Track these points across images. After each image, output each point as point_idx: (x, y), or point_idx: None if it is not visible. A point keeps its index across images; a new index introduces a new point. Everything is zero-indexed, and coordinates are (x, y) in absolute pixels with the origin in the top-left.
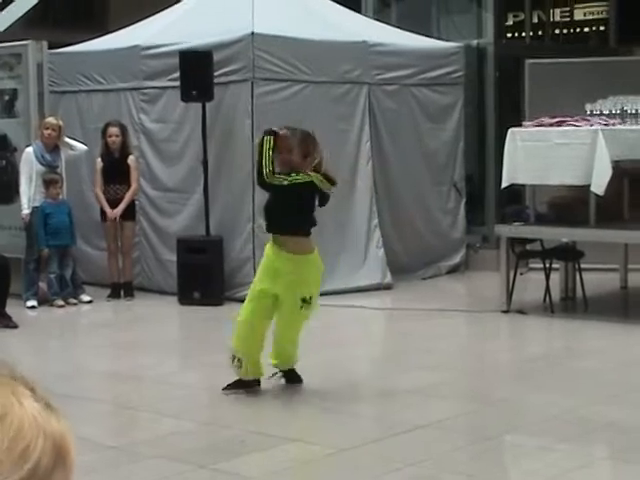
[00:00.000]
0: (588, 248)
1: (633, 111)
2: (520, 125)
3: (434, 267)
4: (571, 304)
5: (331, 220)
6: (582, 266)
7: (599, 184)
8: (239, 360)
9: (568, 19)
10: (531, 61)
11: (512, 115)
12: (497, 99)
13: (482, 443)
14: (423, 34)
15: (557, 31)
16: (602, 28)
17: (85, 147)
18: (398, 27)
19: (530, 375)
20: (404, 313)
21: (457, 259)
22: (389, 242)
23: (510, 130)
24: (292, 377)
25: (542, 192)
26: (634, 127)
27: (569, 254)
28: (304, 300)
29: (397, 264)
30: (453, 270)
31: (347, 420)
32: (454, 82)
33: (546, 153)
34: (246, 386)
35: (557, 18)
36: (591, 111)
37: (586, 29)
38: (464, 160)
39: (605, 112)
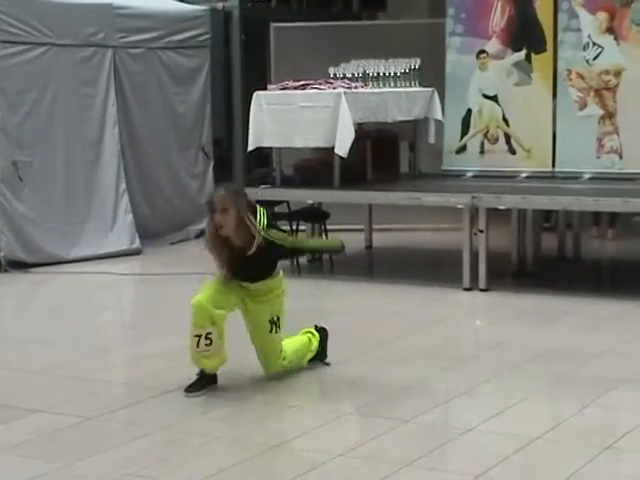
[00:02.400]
0: (333, 209)
1: (375, 74)
2: (265, 88)
3: (183, 231)
4: (318, 265)
5: (78, 186)
6: (328, 227)
7: (342, 147)
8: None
9: None
10: (276, 25)
11: (258, 78)
12: (243, 62)
13: (232, 404)
14: None
15: None
16: None
17: None
18: None
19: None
20: (153, 278)
21: (205, 223)
22: (138, 207)
23: (255, 93)
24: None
25: (288, 155)
26: (376, 90)
27: (315, 216)
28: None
29: (146, 229)
30: (202, 234)
31: (95, 388)
32: (200, 45)
33: (291, 116)
34: (209, 383)
35: None
36: (334, 74)
37: None
38: (211, 124)
39: (348, 75)
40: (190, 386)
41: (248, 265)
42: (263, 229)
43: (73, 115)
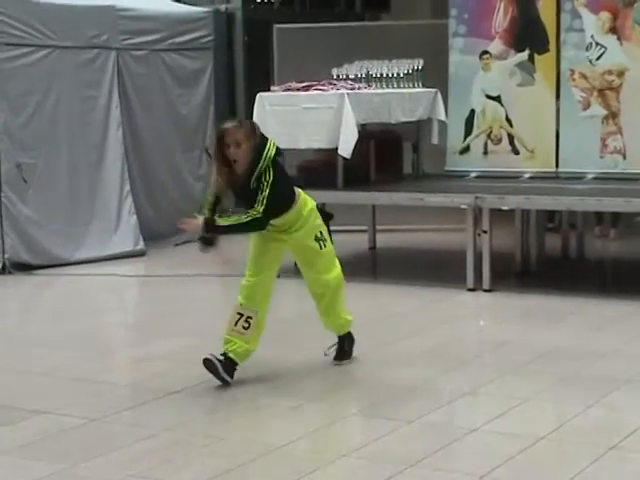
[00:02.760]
0: (337, 210)
1: (378, 75)
2: (269, 90)
3: (187, 233)
4: None
5: (82, 188)
6: (332, 228)
7: (346, 147)
8: (248, 319)
9: None
10: (279, 26)
11: (262, 80)
12: (246, 64)
13: (236, 405)
14: None
15: None
16: None
17: None
18: None
19: (283, 336)
20: (157, 280)
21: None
22: (141, 209)
23: (258, 95)
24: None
25: (292, 156)
26: (379, 91)
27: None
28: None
29: (150, 230)
30: None
31: (101, 390)
32: (203, 47)
33: (294, 117)
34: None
35: None
36: (338, 75)
37: None
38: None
39: (351, 76)
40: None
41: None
42: (265, 165)
43: (76, 117)
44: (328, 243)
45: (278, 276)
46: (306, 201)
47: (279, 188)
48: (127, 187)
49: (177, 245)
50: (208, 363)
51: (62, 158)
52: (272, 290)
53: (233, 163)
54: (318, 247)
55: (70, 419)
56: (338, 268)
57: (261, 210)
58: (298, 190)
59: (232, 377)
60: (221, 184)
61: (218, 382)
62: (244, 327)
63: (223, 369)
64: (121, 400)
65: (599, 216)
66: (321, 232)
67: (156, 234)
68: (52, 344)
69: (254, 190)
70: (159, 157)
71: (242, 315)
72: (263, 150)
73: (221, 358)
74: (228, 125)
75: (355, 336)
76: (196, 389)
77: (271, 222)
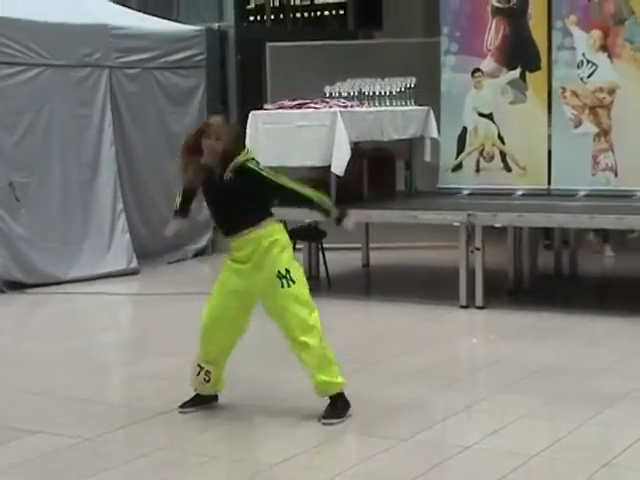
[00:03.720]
0: (330, 228)
1: (371, 93)
2: (262, 108)
3: (181, 251)
4: (315, 283)
5: (75, 206)
6: (325, 246)
7: (339, 165)
8: (207, 373)
9: (308, 3)
10: (272, 44)
11: (255, 98)
12: (239, 82)
13: (229, 424)
14: (164, 17)
15: (298, 15)
16: (341, 12)
17: None
18: (139, 10)
19: (276, 355)
20: (150, 298)
21: (203, 242)
22: (135, 227)
23: (251, 113)
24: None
25: (284, 174)
26: (372, 109)
27: (312, 234)
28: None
29: (143, 249)
30: (200, 253)
31: (93, 409)
32: (196, 65)
33: (287, 135)
34: (204, 402)
35: (297, 2)
36: (330, 93)
37: (326, 13)
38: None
39: (344, 94)
40: (185, 403)
41: (225, 196)
42: (246, 160)
43: (69, 136)
44: (294, 284)
45: None
46: (273, 231)
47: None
48: (120, 205)
49: (170, 263)
50: (186, 407)
51: (55, 177)
52: (233, 345)
53: (206, 154)
54: (279, 285)
55: (63, 438)
56: (308, 326)
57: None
58: (272, 217)
59: (216, 399)
60: (190, 176)
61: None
62: (205, 380)
63: (200, 402)
64: (114, 419)
65: (603, 232)
66: (287, 270)
67: (149, 252)
68: (45, 363)
69: (228, 184)
70: (152, 175)
71: (202, 369)
72: (242, 150)
73: (194, 395)
74: (216, 119)
75: (348, 353)
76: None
77: (235, 239)
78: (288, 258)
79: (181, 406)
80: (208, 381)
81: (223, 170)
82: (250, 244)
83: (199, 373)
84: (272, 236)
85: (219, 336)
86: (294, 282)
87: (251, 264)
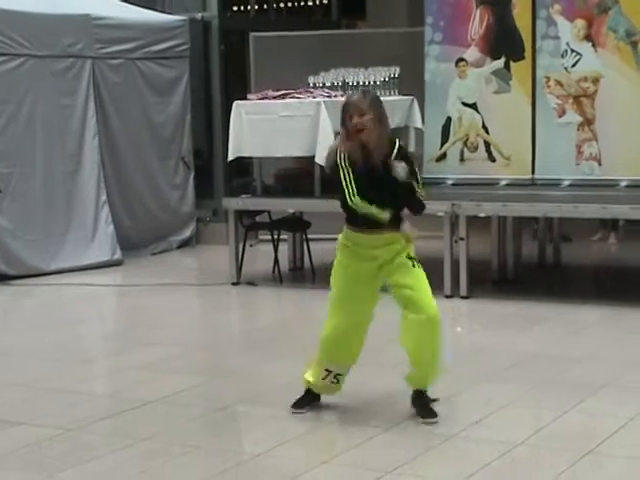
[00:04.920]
0: (314, 218)
1: (354, 83)
2: (245, 98)
3: (165, 242)
4: (299, 274)
5: (58, 197)
6: (309, 236)
7: (323, 155)
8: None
9: None
10: (255, 34)
11: (238, 88)
12: (223, 72)
13: (213, 414)
14: (147, 7)
15: (281, 5)
16: (325, 2)
17: None
18: (122, 0)
19: (261, 345)
20: (134, 289)
21: (187, 233)
22: (118, 218)
23: (235, 103)
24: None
25: (269, 164)
26: None
27: (296, 225)
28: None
29: (127, 240)
30: (184, 244)
31: (78, 400)
32: (179, 55)
33: (271, 126)
34: (314, 400)
35: None
36: (314, 83)
37: (309, 3)
38: (191, 134)
39: (327, 84)
40: (297, 403)
41: (385, 184)
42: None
43: (52, 126)
44: (421, 269)
45: None
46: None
47: None
48: (104, 196)
49: (154, 254)
50: (298, 407)
51: (38, 168)
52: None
53: (360, 132)
54: (410, 264)
55: (47, 429)
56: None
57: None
58: None
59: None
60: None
61: (195, 391)
62: (333, 383)
63: (310, 400)
64: (98, 410)
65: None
66: (412, 257)
67: (133, 243)
68: (29, 354)
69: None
70: (135, 166)
71: (331, 372)
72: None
73: (304, 394)
74: (352, 98)
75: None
76: (173, 398)
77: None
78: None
79: (295, 407)
80: (337, 383)
81: (381, 154)
82: (386, 240)
83: (326, 377)
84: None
85: (354, 342)
86: (419, 266)
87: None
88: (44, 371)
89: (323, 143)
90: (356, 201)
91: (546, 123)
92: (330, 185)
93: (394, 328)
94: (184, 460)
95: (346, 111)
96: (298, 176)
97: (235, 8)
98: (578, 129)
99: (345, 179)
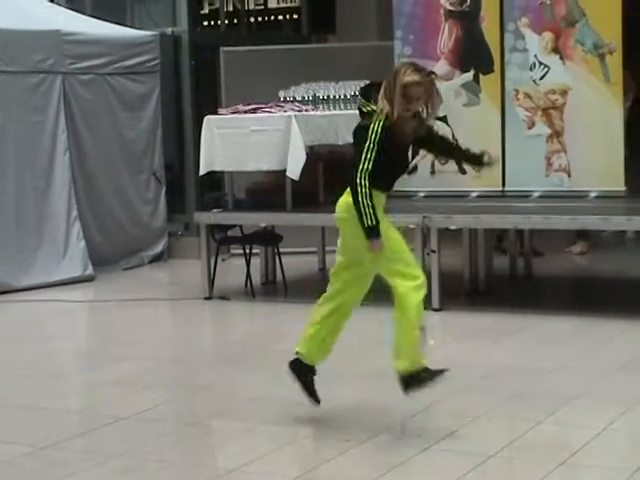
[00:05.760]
0: (286, 232)
1: (325, 97)
2: (216, 113)
3: (136, 257)
4: (272, 288)
5: (29, 213)
6: (282, 250)
7: (294, 169)
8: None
9: (262, 7)
10: (226, 49)
11: (209, 103)
12: (194, 87)
13: (187, 430)
14: (117, 23)
15: (252, 19)
16: (295, 16)
17: None
18: (92, 16)
19: (233, 360)
20: (106, 305)
21: (159, 248)
22: (90, 233)
23: (206, 118)
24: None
25: (241, 179)
26: (326, 112)
27: (268, 239)
28: None
29: (99, 255)
30: (156, 259)
31: (51, 417)
32: (150, 70)
33: (242, 140)
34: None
35: (252, 6)
36: (285, 98)
37: (280, 17)
38: (163, 148)
39: (298, 98)
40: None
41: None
42: None
43: (23, 142)
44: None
45: None
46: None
47: None
48: (75, 212)
49: (126, 269)
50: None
51: (9, 183)
52: None
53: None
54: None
55: (19, 447)
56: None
57: None
58: None
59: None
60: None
61: (168, 406)
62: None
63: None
64: (71, 427)
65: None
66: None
67: (105, 259)
68: (0, 371)
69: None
70: (107, 181)
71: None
72: None
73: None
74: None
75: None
76: (147, 414)
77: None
78: None
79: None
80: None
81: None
82: None
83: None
84: None
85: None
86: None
87: None
88: (15, 388)
89: (294, 157)
90: (364, 182)
91: (515, 135)
92: (301, 199)
93: (365, 342)
94: (158, 476)
95: (416, 90)
96: (269, 190)
97: (205, 23)
98: (547, 141)
99: (368, 149)
